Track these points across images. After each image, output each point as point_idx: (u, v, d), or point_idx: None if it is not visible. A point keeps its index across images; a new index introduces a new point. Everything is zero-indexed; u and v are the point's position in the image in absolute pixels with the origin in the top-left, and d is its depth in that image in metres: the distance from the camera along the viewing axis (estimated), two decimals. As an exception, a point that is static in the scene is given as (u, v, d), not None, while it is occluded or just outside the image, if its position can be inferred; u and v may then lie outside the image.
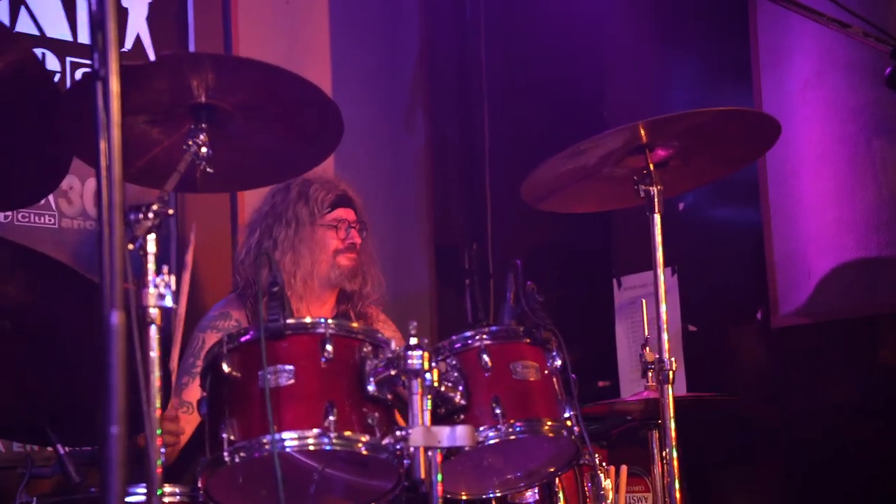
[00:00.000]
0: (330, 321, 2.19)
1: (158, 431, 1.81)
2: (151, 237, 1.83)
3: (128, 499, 2.25)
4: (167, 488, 2.31)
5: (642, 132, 2.63)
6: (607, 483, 2.72)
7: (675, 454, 2.63)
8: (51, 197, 3.54)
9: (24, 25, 3.55)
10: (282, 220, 3.21)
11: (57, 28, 3.59)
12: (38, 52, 3.57)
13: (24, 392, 2.46)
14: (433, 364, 2.10)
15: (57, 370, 2.42)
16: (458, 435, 2.07)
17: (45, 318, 2.29)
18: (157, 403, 1.83)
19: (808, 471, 3.74)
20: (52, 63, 3.58)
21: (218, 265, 3.85)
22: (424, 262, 4.68)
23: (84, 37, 3.60)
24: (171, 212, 1.87)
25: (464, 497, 2.47)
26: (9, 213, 3.43)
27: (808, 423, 3.75)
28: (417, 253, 4.66)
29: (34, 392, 2.45)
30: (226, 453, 2.10)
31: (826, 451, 3.67)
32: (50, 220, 3.56)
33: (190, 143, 2.20)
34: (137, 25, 3.76)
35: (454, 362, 2.32)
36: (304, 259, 3.19)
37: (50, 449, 2.62)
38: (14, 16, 3.53)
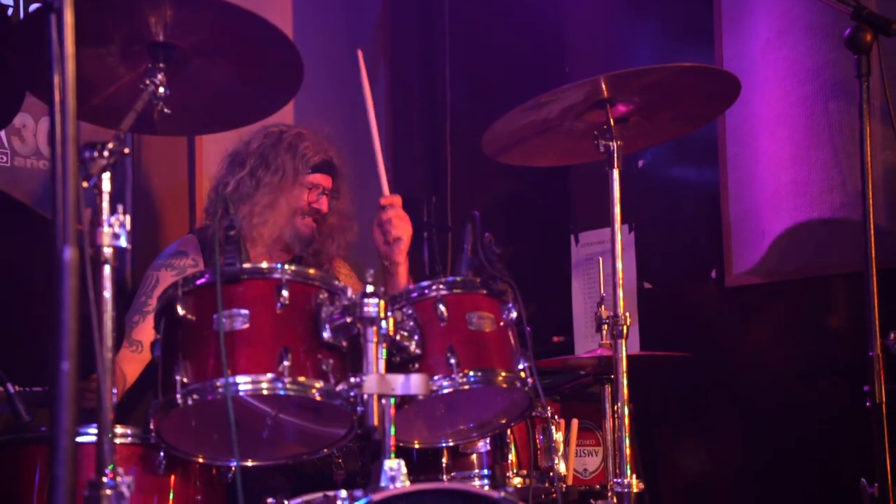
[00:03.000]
0: (287, 267, 2.18)
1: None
2: (107, 176, 1.80)
3: (78, 438, 2.25)
4: (118, 429, 2.30)
5: (603, 86, 2.62)
6: (559, 436, 2.75)
7: (626, 410, 2.66)
8: (3, 135, 3.47)
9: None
10: (269, 165, 3.18)
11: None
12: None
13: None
14: (389, 312, 2.10)
15: (7, 308, 2.39)
16: (411, 383, 2.07)
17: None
18: (110, 343, 1.81)
19: (758, 429, 3.80)
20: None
21: (175, 208, 3.81)
22: (383, 214, 4.66)
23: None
24: (126, 151, 1.84)
25: (416, 445, 2.49)
26: (-40, 150, 3.37)
27: (758, 382, 3.80)
28: (376, 205, 4.64)
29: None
30: (178, 395, 2.09)
31: (776, 410, 3.73)
32: (2, 159, 3.49)
33: (147, 82, 2.16)
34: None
35: (410, 311, 2.32)
36: (280, 210, 3.17)
37: (0, 388, 2.59)
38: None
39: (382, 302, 2.09)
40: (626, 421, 2.65)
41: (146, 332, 2.96)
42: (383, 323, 2.09)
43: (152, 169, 3.81)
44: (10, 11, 3.50)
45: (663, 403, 3.99)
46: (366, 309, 2.08)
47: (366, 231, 3.28)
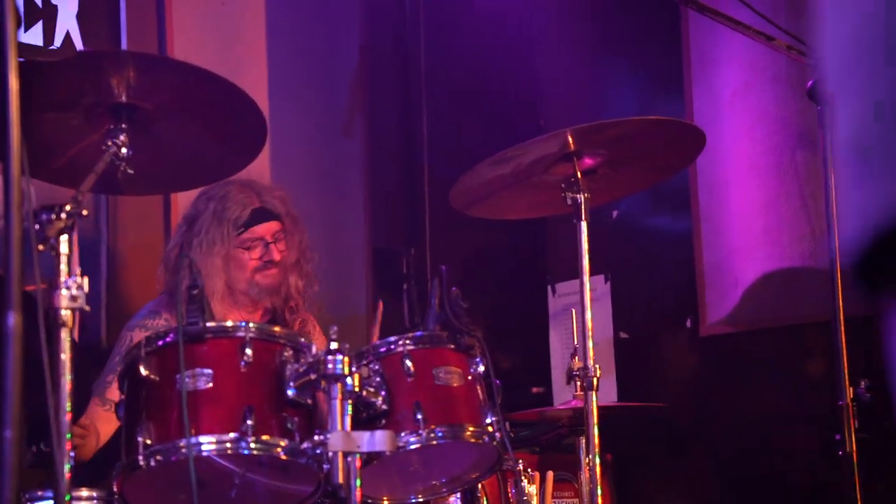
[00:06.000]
0: (251, 325, 2.17)
1: (68, 436, 1.79)
2: (64, 238, 1.80)
3: (38, 503, 2.23)
4: (84, 492, 2.28)
5: (570, 140, 2.64)
6: (531, 489, 2.73)
7: (598, 460, 2.65)
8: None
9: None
10: (199, 237, 3.11)
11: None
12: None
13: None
14: (353, 369, 2.10)
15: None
16: (377, 440, 2.06)
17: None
18: (68, 407, 1.80)
19: (735, 478, 3.78)
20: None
21: (149, 268, 3.80)
22: (362, 267, 4.66)
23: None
24: (85, 212, 1.84)
25: (386, 502, 2.47)
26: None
27: (734, 431, 3.79)
28: (355, 257, 4.65)
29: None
30: (140, 457, 2.07)
31: (753, 459, 3.72)
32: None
33: (109, 143, 2.16)
34: (67, 22, 3.70)
35: (377, 367, 2.32)
36: (226, 276, 3.13)
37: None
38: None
39: (347, 358, 2.09)
40: (598, 471, 2.64)
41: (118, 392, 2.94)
42: (348, 380, 2.09)
43: (128, 227, 3.81)
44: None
45: (641, 453, 3.97)
46: (330, 366, 2.07)
47: (334, 283, 3.26)
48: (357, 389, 2.11)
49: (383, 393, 2.28)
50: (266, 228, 3.17)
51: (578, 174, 2.68)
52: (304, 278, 3.24)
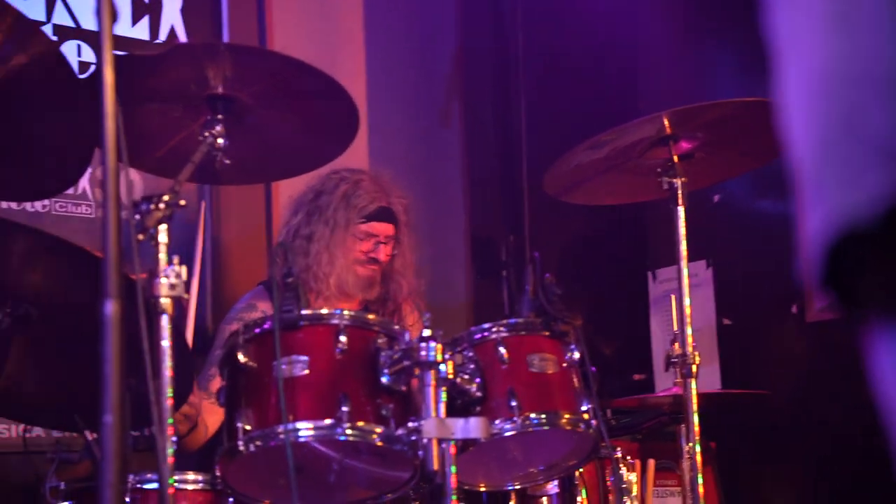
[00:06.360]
0: (345, 312, 2.20)
1: (170, 421, 1.83)
2: (163, 227, 1.84)
3: (147, 485, 2.30)
4: (190, 476, 2.35)
5: (666, 123, 2.60)
6: (631, 477, 2.70)
7: (698, 448, 2.61)
8: (87, 187, 3.59)
9: (61, 17, 3.59)
10: (322, 216, 3.19)
11: (93, 20, 3.63)
12: (74, 43, 3.61)
13: (51, 378, 2.50)
14: (447, 356, 2.11)
15: (83, 357, 2.45)
16: (471, 427, 2.07)
17: (72, 305, 2.32)
18: (169, 393, 1.85)
19: (841, 467, 3.68)
20: (87, 55, 3.63)
21: (251, 258, 3.87)
22: (461, 255, 4.67)
23: (119, 29, 3.64)
24: (183, 202, 1.88)
25: (482, 489, 2.47)
26: (46, 203, 3.48)
27: (841, 420, 3.69)
28: (454, 246, 4.66)
29: (62, 379, 2.49)
30: (241, 442, 2.12)
31: (859, 448, 3.61)
32: (87, 210, 3.60)
33: (206, 134, 2.21)
34: (172, 17, 3.80)
35: (471, 354, 2.32)
36: (337, 260, 3.18)
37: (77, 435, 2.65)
38: (50, 8, 3.58)
39: (440, 346, 2.10)
40: (698, 460, 2.60)
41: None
42: (441, 367, 2.10)
43: (231, 217, 3.89)
44: (92, 68, 3.63)
45: (746, 441, 3.90)
46: (423, 353, 2.08)
47: (433, 270, 3.27)
48: (451, 376, 2.12)
49: (478, 380, 2.28)
50: (384, 228, 3.22)
51: (675, 158, 2.64)
52: (407, 285, 3.27)
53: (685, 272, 2.63)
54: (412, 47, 4.57)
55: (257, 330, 2.17)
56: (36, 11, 3.52)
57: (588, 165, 2.73)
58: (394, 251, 3.24)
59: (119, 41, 3.65)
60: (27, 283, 2.30)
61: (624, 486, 2.66)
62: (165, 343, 1.83)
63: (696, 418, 2.59)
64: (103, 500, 1.29)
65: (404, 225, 3.27)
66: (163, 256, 1.84)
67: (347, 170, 3.23)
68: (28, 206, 3.42)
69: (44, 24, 3.52)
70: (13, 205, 3.33)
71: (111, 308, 1.31)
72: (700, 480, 2.59)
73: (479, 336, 2.35)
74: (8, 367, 2.30)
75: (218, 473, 2.20)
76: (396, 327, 2.23)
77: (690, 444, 2.61)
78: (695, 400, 2.59)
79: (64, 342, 2.41)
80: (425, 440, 2.07)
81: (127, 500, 2.23)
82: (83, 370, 2.47)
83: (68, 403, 2.47)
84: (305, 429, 2.10)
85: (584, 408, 2.34)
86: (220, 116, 2.22)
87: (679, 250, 2.63)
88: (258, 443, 2.12)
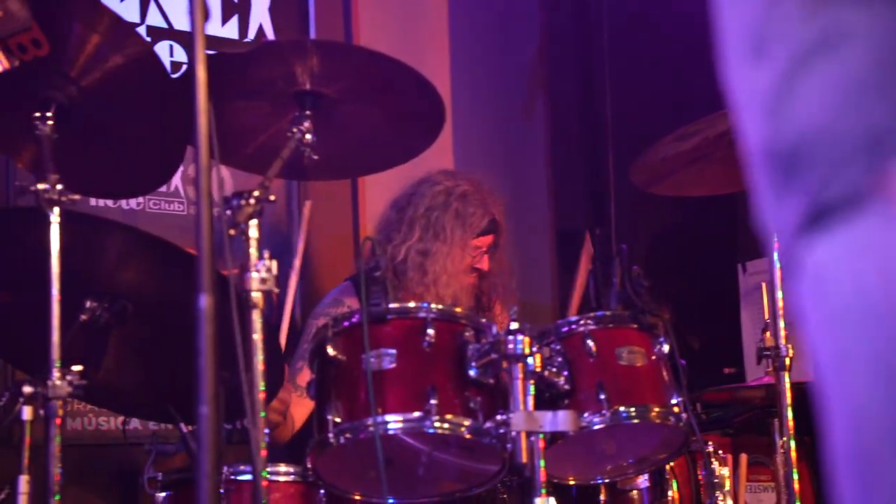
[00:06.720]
0: (432, 305, 2.21)
1: (262, 414, 1.86)
2: (253, 223, 1.88)
3: (239, 477, 2.34)
4: (282, 468, 2.39)
5: (756, 112, 2.55)
6: (723, 471, 2.66)
7: (792, 443, 2.56)
8: (180, 185, 3.66)
9: (154, 18, 3.67)
10: (437, 235, 3.14)
11: (185, 20, 3.71)
12: (167, 44, 3.69)
13: (148, 371, 2.56)
14: (535, 349, 2.10)
15: (178, 350, 2.50)
16: (559, 420, 2.06)
17: (166, 300, 2.37)
18: (262, 386, 1.88)
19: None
20: (179, 55, 3.70)
21: (338, 253, 3.91)
22: (546, 248, 4.66)
23: (210, 29, 3.70)
24: (272, 198, 1.91)
25: (572, 482, 2.46)
26: (140, 200, 3.57)
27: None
28: (538, 239, 4.64)
29: (158, 371, 2.55)
30: (331, 434, 2.14)
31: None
32: (179, 207, 3.68)
33: (294, 130, 2.24)
34: (260, 16, 3.86)
35: (559, 347, 2.31)
36: (453, 278, 3.16)
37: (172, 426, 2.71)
38: (144, 9, 3.66)
39: (527, 339, 2.09)
40: (793, 455, 2.55)
41: (308, 377, 3.04)
42: (529, 359, 2.09)
43: (320, 212, 3.93)
44: (183, 68, 3.70)
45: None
46: (510, 346, 2.08)
47: (518, 264, 3.26)
48: (538, 369, 2.12)
49: (566, 373, 2.27)
50: (490, 239, 3.20)
51: (766, 147, 2.58)
52: (502, 286, 3.26)
53: (777, 264, 2.58)
54: (496, 40, 4.57)
55: (346, 323, 2.19)
56: (131, 13, 3.60)
57: (675, 157, 2.70)
58: (492, 259, 3.21)
59: (209, 40, 3.70)
60: (123, 280, 2.37)
61: (716, 480, 2.62)
62: (257, 336, 1.86)
63: (789, 412, 2.54)
64: (200, 490, 1.32)
65: (502, 232, 3.24)
66: (253, 251, 1.87)
67: (446, 177, 3.18)
68: (123, 203, 3.50)
69: (138, 25, 3.60)
70: (109, 203, 3.42)
71: (205, 302, 1.34)
72: (795, 476, 2.54)
73: (566, 329, 2.34)
74: (106, 361, 2.36)
75: (309, 465, 2.23)
76: (483, 320, 2.23)
77: (784, 439, 2.56)
78: (788, 393, 2.54)
79: (159, 336, 2.47)
80: (514, 433, 2.07)
81: (221, 491, 2.27)
82: (178, 364, 2.54)
83: (164, 396, 2.53)
84: (394, 421, 2.12)
85: (673, 401, 2.31)
86: (307, 112, 2.25)
87: (771, 240, 2.58)
88: (348, 435, 2.14)
